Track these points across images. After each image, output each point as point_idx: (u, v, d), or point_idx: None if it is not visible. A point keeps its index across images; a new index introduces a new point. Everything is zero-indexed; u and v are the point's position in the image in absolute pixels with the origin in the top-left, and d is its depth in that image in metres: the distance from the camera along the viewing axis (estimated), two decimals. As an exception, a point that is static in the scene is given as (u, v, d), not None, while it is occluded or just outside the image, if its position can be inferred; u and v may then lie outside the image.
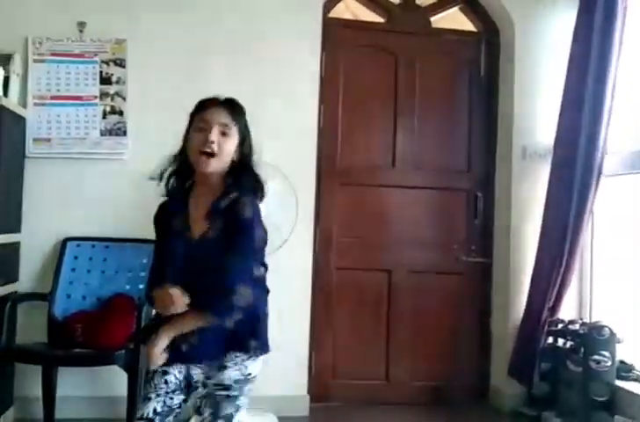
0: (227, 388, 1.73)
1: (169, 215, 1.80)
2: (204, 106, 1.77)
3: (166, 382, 1.73)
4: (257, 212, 1.73)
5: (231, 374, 1.73)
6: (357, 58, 3.56)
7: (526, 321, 3.36)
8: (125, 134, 3.17)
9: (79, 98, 3.17)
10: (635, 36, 3.21)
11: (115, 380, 2.92)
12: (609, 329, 2.97)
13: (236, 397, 1.73)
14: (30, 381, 2.94)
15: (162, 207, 1.84)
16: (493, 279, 3.65)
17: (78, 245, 3.07)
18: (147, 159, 3.15)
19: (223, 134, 1.73)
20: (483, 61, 3.70)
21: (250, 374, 1.76)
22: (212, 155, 1.72)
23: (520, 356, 3.34)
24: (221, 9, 3.29)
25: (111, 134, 3.17)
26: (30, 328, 2.94)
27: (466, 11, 3.74)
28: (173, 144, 3.17)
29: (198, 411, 1.77)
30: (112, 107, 3.18)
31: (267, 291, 1.91)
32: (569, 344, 3.18)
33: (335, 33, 3.49)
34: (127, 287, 3.01)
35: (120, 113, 3.18)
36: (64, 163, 3.14)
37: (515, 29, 3.55)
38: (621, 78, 3.15)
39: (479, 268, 3.64)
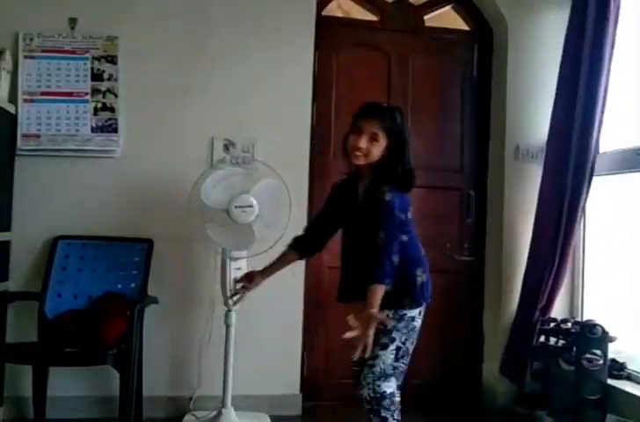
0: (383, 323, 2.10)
1: (341, 191, 2.38)
2: (361, 113, 2.22)
3: None
4: (395, 197, 2.13)
5: (387, 312, 2.15)
6: (350, 56, 3.55)
7: (518, 320, 3.37)
8: (116, 130, 3.14)
9: (70, 94, 3.14)
10: (627, 36, 3.22)
11: (107, 379, 2.90)
12: (601, 327, 2.98)
13: (389, 331, 2.15)
14: (20, 381, 2.92)
15: (337, 184, 2.43)
16: (486, 277, 3.66)
17: (69, 244, 3.03)
18: (138, 156, 3.18)
19: (372, 139, 2.17)
20: (476, 60, 3.71)
21: (404, 314, 2.18)
22: (362, 155, 2.19)
23: (512, 355, 3.35)
24: (213, 8, 3.26)
25: (102, 130, 3.14)
26: (20, 327, 2.91)
27: (459, 10, 3.74)
28: (164, 142, 3.20)
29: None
30: (104, 104, 3.15)
31: (416, 256, 2.28)
32: (561, 342, 3.19)
33: (328, 32, 3.48)
34: (119, 285, 2.99)
35: (112, 110, 3.15)
36: (54, 159, 3.11)
37: (508, 28, 3.56)
38: (613, 78, 3.17)
39: (472, 267, 3.65)
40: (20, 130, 3.07)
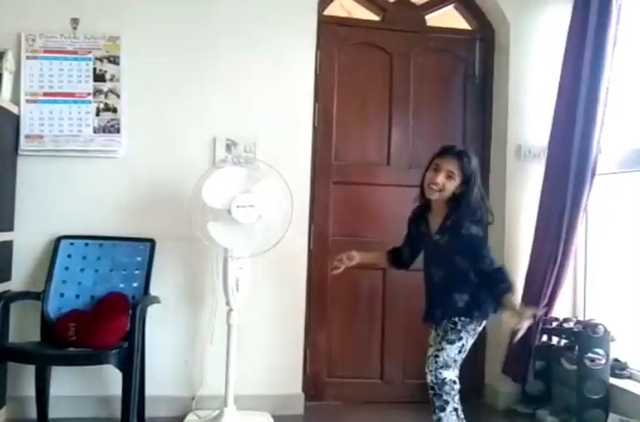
0: (454, 322, 2.44)
1: (419, 219, 2.64)
2: (441, 153, 2.49)
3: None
4: (478, 230, 2.44)
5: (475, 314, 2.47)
6: (352, 56, 3.55)
7: (520, 319, 3.36)
8: (118, 131, 3.15)
9: (72, 94, 3.14)
10: (629, 35, 3.22)
11: (109, 379, 2.91)
12: (603, 327, 2.98)
13: (459, 331, 2.44)
14: (23, 381, 2.92)
15: (415, 210, 2.68)
16: (487, 277, 3.65)
17: (72, 244, 3.04)
18: (140, 157, 3.18)
19: (448, 177, 2.45)
20: (478, 59, 3.70)
21: (475, 315, 2.45)
22: (438, 191, 2.47)
23: (515, 354, 3.34)
24: (215, 8, 3.27)
25: (104, 131, 3.15)
26: (23, 327, 2.92)
27: (461, 10, 3.74)
28: (166, 142, 3.21)
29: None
30: (106, 104, 3.15)
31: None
32: (563, 342, 3.20)
33: (330, 31, 3.48)
34: (122, 285, 2.99)
35: (114, 111, 3.15)
36: (57, 160, 3.12)
37: (510, 28, 3.56)
38: (615, 78, 3.16)
39: (473, 267, 3.64)
40: (23, 131, 3.08)
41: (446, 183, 2.45)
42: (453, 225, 2.46)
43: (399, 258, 2.74)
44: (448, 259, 2.47)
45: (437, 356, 2.44)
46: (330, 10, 3.58)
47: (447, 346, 2.45)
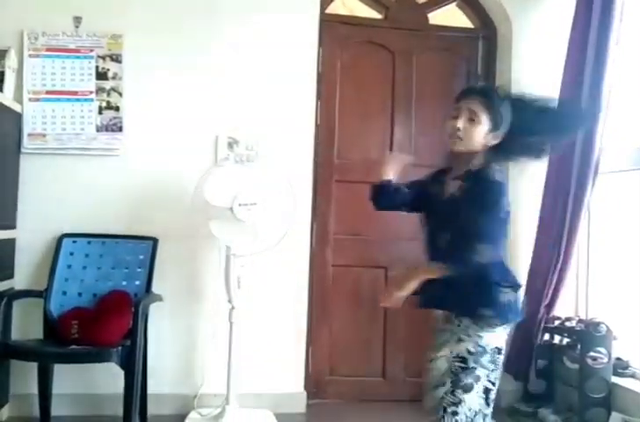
0: (462, 360, 1.78)
1: (431, 181, 2.03)
2: (460, 95, 1.95)
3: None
4: (506, 181, 1.84)
5: (466, 346, 1.79)
6: (354, 54, 3.55)
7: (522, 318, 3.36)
8: (121, 129, 3.15)
9: (75, 93, 3.15)
10: (632, 32, 3.21)
11: (111, 377, 2.90)
12: (606, 325, 2.97)
13: (473, 369, 1.77)
14: (26, 379, 2.93)
15: (433, 173, 2.07)
16: (490, 276, 3.65)
17: (74, 242, 3.05)
18: (143, 155, 3.19)
19: (471, 120, 1.88)
20: (481, 57, 3.70)
21: (487, 345, 1.79)
22: (458, 138, 1.88)
23: (517, 353, 3.33)
24: (219, 5, 3.27)
25: (107, 129, 3.15)
26: (25, 325, 2.92)
27: (463, 8, 3.73)
28: (168, 140, 3.21)
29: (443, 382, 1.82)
30: (109, 103, 3.16)
31: (505, 263, 1.91)
32: (565, 341, 3.19)
33: (332, 30, 3.48)
34: (124, 283, 3.00)
35: (116, 109, 3.16)
36: (60, 158, 3.13)
37: (512, 25, 3.55)
38: (618, 75, 3.15)
39: (476, 265, 3.63)
40: (26, 129, 3.08)
41: (467, 128, 1.87)
42: (481, 171, 1.87)
43: (388, 194, 2.09)
44: (461, 218, 1.84)
45: (455, 413, 1.76)
46: (333, 9, 3.58)
47: (466, 397, 1.76)
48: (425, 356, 1.93)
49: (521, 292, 1.93)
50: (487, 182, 1.82)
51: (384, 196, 2.08)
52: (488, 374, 1.78)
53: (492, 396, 1.79)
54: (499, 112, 1.87)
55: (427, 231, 1.99)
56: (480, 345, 1.78)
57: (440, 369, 1.85)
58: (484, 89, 2.02)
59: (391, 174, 2.08)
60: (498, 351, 1.80)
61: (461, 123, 1.88)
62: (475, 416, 1.76)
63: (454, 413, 1.75)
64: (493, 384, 1.79)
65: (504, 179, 1.84)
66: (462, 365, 1.77)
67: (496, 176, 1.83)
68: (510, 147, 1.91)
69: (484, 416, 1.78)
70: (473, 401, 1.76)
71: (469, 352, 1.78)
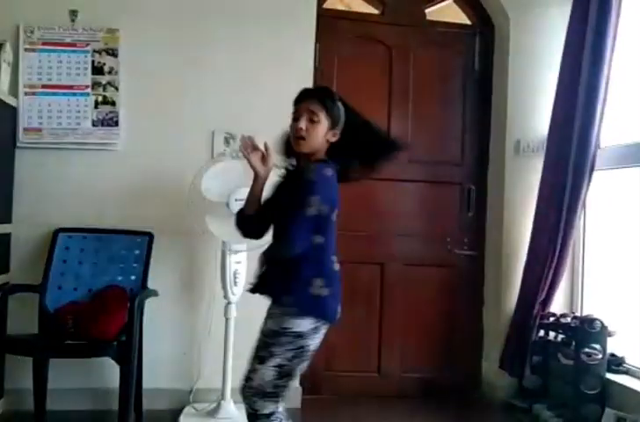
0: (265, 335, 1.99)
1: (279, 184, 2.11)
2: (296, 99, 2.07)
3: None
4: (322, 180, 1.94)
5: (270, 324, 1.99)
6: (351, 50, 3.54)
7: (517, 314, 3.38)
8: (117, 124, 3.14)
9: (71, 87, 3.14)
10: (629, 29, 3.21)
11: (107, 371, 2.91)
12: (600, 322, 2.99)
13: (271, 344, 1.95)
14: (21, 373, 2.91)
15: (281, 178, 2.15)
16: (485, 272, 3.66)
17: (70, 236, 3.04)
18: (139, 149, 3.18)
19: (311, 120, 2.00)
20: (478, 53, 3.70)
21: (288, 328, 1.94)
22: (302, 138, 2.00)
23: (512, 349, 3.35)
24: (214, 1, 3.26)
25: (103, 124, 3.14)
26: (21, 319, 2.90)
27: (460, 4, 3.73)
28: (165, 135, 3.20)
29: None
30: (105, 97, 3.14)
31: (324, 261, 2.03)
32: (560, 337, 3.20)
33: (329, 25, 3.47)
34: (120, 278, 2.99)
35: (113, 103, 3.15)
36: (55, 153, 3.11)
37: (510, 22, 3.55)
38: (615, 72, 3.15)
39: (472, 261, 3.65)
40: (21, 123, 3.07)
41: (309, 127, 1.99)
42: (301, 171, 2.00)
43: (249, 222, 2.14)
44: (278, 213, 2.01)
45: (250, 379, 2.00)
46: (330, 4, 3.57)
47: (259, 367, 1.97)
48: None
49: (334, 293, 2.01)
50: (301, 180, 1.94)
51: (247, 226, 2.17)
52: (282, 354, 1.94)
53: (288, 371, 1.95)
54: (335, 110, 2.02)
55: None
56: (280, 327, 1.95)
57: None
58: (320, 90, 2.16)
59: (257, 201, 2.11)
60: (293, 333, 1.94)
61: (302, 123, 2.00)
62: (266, 385, 1.94)
63: (249, 379, 1.98)
64: (289, 362, 1.94)
65: (321, 178, 1.93)
66: (264, 339, 1.98)
67: (312, 175, 1.93)
68: (344, 147, 2.04)
69: (276, 386, 1.95)
70: (265, 372, 1.94)
71: (272, 330, 1.97)
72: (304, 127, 2.00)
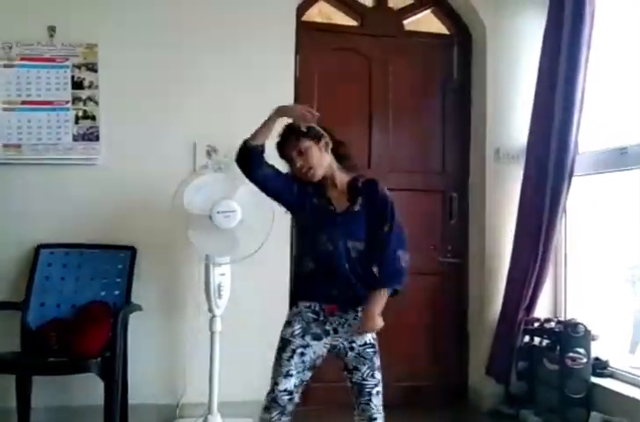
0: (372, 345, 2.19)
1: (310, 194, 2.21)
2: (279, 151, 2.22)
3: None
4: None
5: (370, 335, 2.21)
6: (331, 61, 3.57)
7: (502, 320, 3.39)
8: (98, 139, 3.14)
9: (50, 102, 3.13)
10: (603, 37, 3.26)
11: (92, 388, 2.87)
12: (584, 326, 3.01)
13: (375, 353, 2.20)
14: (4, 392, 2.88)
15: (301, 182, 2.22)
16: (469, 279, 3.68)
17: (52, 252, 3.02)
18: (120, 164, 3.17)
19: (300, 154, 2.16)
20: (456, 63, 3.74)
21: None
22: (309, 170, 2.17)
23: (497, 355, 3.37)
24: (194, 14, 3.27)
25: (83, 139, 3.13)
26: (3, 337, 2.88)
27: (438, 14, 3.77)
28: (146, 149, 3.19)
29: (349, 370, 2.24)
30: (85, 112, 3.14)
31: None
32: (545, 342, 3.23)
33: (309, 37, 3.50)
34: (103, 293, 2.97)
35: (93, 118, 3.14)
36: (36, 169, 3.10)
37: (486, 31, 3.60)
38: (590, 79, 3.20)
39: (455, 269, 3.67)
40: (1, 140, 3.05)
41: (305, 159, 2.16)
42: (367, 186, 2.22)
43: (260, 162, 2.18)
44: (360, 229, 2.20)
45: (380, 393, 2.26)
46: (309, 16, 3.60)
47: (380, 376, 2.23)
48: None
49: None
50: (378, 200, 2.19)
51: (256, 163, 2.17)
52: None
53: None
54: (310, 130, 2.17)
55: (312, 235, 2.20)
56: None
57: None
58: (284, 135, 2.23)
59: (268, 134, 2.21)
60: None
61: (299, 163, 2.16)
62: None
63: (379, 393, 2.23)
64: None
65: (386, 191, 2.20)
66: (373, 349, 2.20)
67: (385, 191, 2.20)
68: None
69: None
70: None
71: (374, 338, 2.23)
72: (302, 163, 2.16)
